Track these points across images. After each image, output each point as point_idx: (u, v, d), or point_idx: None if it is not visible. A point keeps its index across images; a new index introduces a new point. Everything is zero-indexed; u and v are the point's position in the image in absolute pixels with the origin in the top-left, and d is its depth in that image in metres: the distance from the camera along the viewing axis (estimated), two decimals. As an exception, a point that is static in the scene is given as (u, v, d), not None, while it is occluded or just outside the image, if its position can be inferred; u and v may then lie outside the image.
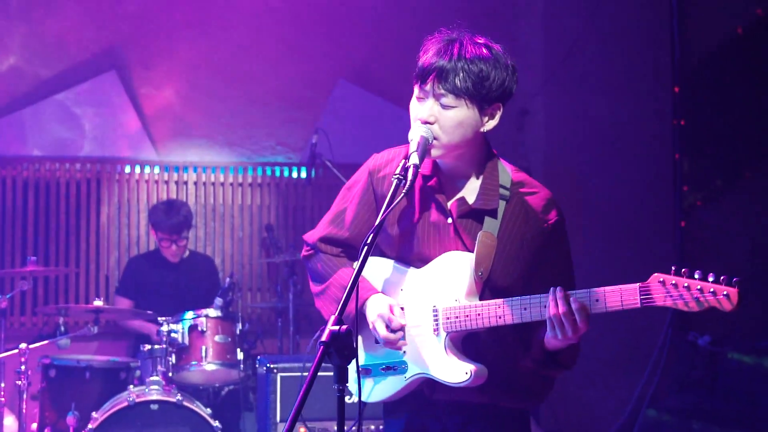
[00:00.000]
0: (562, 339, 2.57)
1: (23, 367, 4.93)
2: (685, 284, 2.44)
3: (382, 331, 2.71)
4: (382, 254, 2.91)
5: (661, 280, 2.47)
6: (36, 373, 5.26)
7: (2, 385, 5.02)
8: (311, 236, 3.01)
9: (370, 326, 2.75)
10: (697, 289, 2.42)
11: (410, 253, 2.81)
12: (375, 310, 2.74)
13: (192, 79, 7.08)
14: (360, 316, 2.78)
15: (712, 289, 2.41)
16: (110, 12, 6.92)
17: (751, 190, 7.08)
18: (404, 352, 2.75)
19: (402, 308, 2.76)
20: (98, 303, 5.33)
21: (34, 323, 6.82)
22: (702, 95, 7.10)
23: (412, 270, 2.81)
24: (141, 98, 7.03)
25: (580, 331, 2.56)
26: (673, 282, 2.45)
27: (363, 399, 2.85)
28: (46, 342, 5.24)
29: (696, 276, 2.44)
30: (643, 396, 6.74)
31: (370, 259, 2.81)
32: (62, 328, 5.34)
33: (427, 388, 2.76)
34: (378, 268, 2.87)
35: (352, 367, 2.66)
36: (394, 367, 2.77)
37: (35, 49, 6.83)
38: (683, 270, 2.46)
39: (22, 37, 6.79)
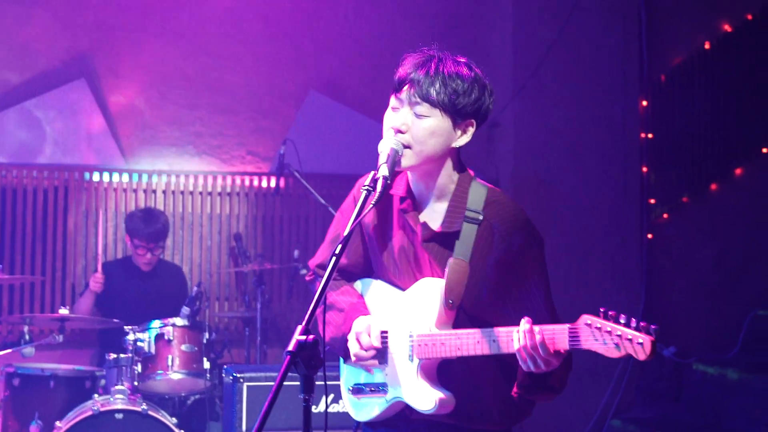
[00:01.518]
0: (535, 370, 2.53)
1: (-14, 376, 4.89)
2: (608, 328, 2.41)
3: (353, 348, 2.73)
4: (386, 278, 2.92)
5: (588, 322, 2.44)
6: (-1, 382, 5.21)
7: (-35, 393, 4.98)
8: (312, 262, 3.05)
9: (348, 344, 2.77)
10: (617, 335, 2.39)
11: (396, 277, 2.82)
12: (355, 329, 2.76)
13: (162, 87, 7.05)
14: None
15: (629, 336, 2.38)
16: (80, 20, 6.86)
17: (716, 203, 7.17)
18: (387, 374, 2.77)
19: (385, 331, 2.76)
20: (64, 311, 5.28)
21: (-2, 331, 6.76)
22: (669, 109, 7.19)
23: (399, 293, 2.82)
24: (110, 106, 6.98)
25: (551, 365, 2.52)
26: (598, 325, 2.42)
27: (355, 417, 2.89)
28: (9, 351, 5.18)
29: (621, 321, 2.41)
30: (608, 406, 6.79)
31: (375, 281, 2.88)
32: (27, 337, 5.30)
33: (407, 408, 2.77)
34: (376, 291, 2.89)
35: (343, 383, 2.80)
36: (378, 389, 2.80)
37: (3, 56, 6.77)
38: (610, 313, 2.43)
39: (-11, 44, 6.74)
